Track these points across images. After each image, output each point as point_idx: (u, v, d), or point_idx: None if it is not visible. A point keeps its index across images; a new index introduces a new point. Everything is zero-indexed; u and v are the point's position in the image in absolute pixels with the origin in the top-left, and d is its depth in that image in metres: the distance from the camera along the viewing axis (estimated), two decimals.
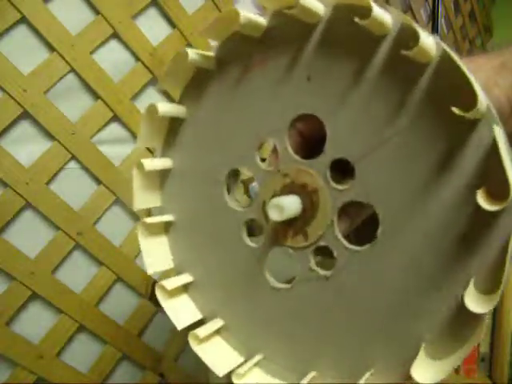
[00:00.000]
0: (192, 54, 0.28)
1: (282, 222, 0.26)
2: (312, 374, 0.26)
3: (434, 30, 1.12)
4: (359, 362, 0.24)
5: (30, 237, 0.64)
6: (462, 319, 0.20)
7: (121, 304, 0.75)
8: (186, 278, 0.32)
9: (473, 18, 1.78)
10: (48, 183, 0.65)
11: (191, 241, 0.32)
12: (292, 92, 0.26)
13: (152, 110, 0.29)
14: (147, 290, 0.77)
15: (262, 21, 0.26)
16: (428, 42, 0.20)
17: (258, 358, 0.28)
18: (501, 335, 0.66)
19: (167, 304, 0.31)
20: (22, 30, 0.61)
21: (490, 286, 0.18)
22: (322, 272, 0.25)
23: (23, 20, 0.61)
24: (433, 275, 0.21)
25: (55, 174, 0.66)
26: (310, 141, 0.26)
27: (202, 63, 0.28)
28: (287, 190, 0.26)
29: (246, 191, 0.31)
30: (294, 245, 0.26)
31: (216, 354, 0.30)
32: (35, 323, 0.65)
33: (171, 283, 0.30)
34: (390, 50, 0.22)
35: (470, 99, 0.18)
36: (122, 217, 0.75)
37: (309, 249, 0.26)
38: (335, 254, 0.25)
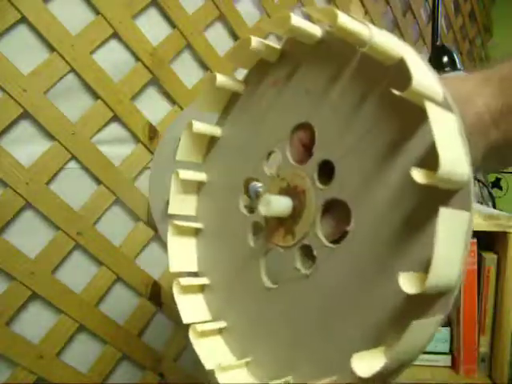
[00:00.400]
0: (221, 78, 0.31)
1: (275, 222, 0.28)
2: (288, 377, 0.26)
3: (434, 30, 1.12)
4: (336, 363, 0.24)
5: (30, 237, 0.64)
6: (404, 307, 0.20)
7: (121, 304, 0.75)
8: (202, 280, 0.34)
9: (473, 18, 1.78)
10: (48, 183, 0.65)
11: (213, 247, 0.34)
12: (291, 105, 0.29)
13: (189, 125, 0.33)
14: (147, 289, 0.77)
15: (277, 46, 0.29)
16: (396, 48, 0.22)
17: (246, 359, 0.30)
18: (501, 335, 0.66)
19: (179, 298, 0.33)
20: (22, 30, 0.61)
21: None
22: (304, 271, 0.27)
23: (23, 20, 0.61)
24: (390, 263, 0.22)
25: (55, 174, 0.66)
26: (311, 149, 0.27)
27: (233, 87, 0.32)
28: (283, 192, 0.28)
29: (246, 191, 0.32)
30: (284, 244, 0.28)
31: (210, 349, 0.31)
32: (35, 323, 0.65)
33: (186, 280, 0.33)
34: (361, 55, 0.24)
35: (407, 82, 0.19)
36: (122, 217, 0.75)
37: (295, 247, 0.27)
38: (315, 252, 0.26)
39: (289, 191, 0.28)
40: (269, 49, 0.29)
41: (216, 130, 0.34)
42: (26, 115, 0.62)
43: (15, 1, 0.59)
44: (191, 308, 0.33)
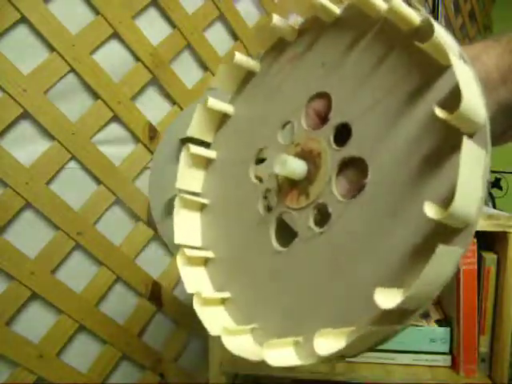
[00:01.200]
0: (239, 56, 0.33)
1: (288, 185, 0.29)
2: (299, 337, 0.26)
3: None
4: (349, 314, 0.24)
5: (30, 237, 0.64)
6: (424, 243, 0.21)
7: (121, 304, 0.75)
8: (207, 254, 0.34)
9: (473, 18, 1.78)
10: (48, 183, 0.65)
11: (218, 222, 0.35)
12: (306, 77, 0.31)
13: (205, 101, 0.34)
14: (147, 289, 0.77)
15: (295, 26, 0.31)
16: (415, 17, 0.23)
17: (251, 326, 0.30)
18: (501, 335, 0.66)
19: (184, 270, 0.33)
20: (22, 30, 0.61)
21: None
22: (317, 229, 0.27)
23: (23, 20, 0.61)
24: (409, 202, 0.22)
25: (55, 174, 0.66)
26: (326, 118, 0.29)
27: (250, 65, 0.34)
28: (298, 156, 0.29)
29: (257, 162, 0.33)
30: (297, 206, 0.28)
31: (214, 317, 0.31)
32: (35, 323, 0.65)
33: (191, 252, 0.33)
34: (382, 22, 0.26)
35: (429, 35, 0.21)
36: (122, 217, 0.75)
37: (309, 207, 0.28)
38: (330, 209, 0.26)
39: (304, 155, 0.29)
40: (289, 28, 0.31)
41: (229, 108, 0.35)
42: (26, 115, 0.62)
43: (15, 1, 0.59)
44: (194, 279, 0.33)
